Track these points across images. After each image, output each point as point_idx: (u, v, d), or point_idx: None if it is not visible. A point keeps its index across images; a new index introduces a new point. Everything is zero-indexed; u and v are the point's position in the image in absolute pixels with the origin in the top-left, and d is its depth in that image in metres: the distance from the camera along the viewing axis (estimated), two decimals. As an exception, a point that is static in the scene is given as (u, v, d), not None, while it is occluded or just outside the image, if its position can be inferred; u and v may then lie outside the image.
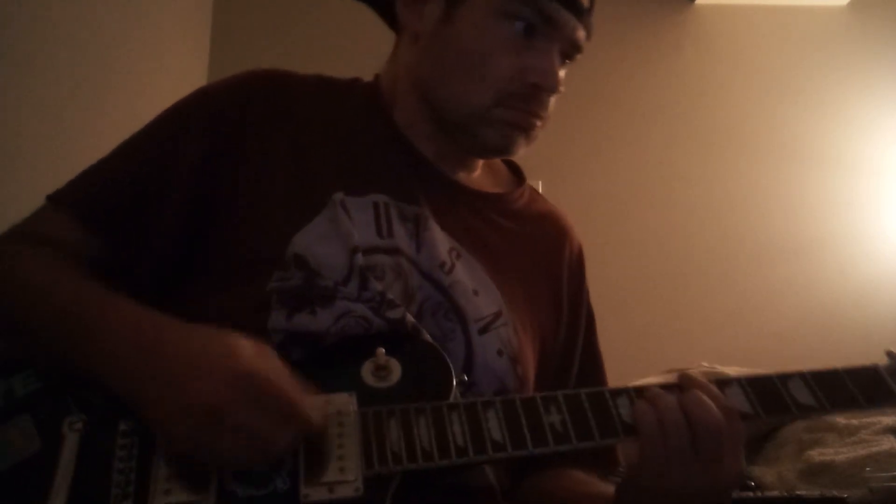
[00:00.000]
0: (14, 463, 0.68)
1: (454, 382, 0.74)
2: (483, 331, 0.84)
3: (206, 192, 0.84)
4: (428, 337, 0.79)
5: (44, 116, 1.57)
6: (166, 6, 2.24)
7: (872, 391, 0.76)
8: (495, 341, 0.84)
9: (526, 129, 0.89)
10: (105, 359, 0.68)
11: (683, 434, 0.68)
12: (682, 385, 0.73)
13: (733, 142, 2.56)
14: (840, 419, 1.55)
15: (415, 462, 0.66)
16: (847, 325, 2.38)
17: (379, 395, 0.72)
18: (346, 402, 0.70)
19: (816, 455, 1.47)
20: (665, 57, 2.65)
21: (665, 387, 0.73)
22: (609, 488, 0.82)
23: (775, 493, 1.38)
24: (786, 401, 0.74)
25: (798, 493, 1.36)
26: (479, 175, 1.00)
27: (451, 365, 0.75)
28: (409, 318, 0.79)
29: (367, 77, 1.00)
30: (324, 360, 0.77)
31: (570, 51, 0.90)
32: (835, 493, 1.33)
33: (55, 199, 0.85)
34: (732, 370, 1.83)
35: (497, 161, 1.05)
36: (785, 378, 0.76)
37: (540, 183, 1.98)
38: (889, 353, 0.78)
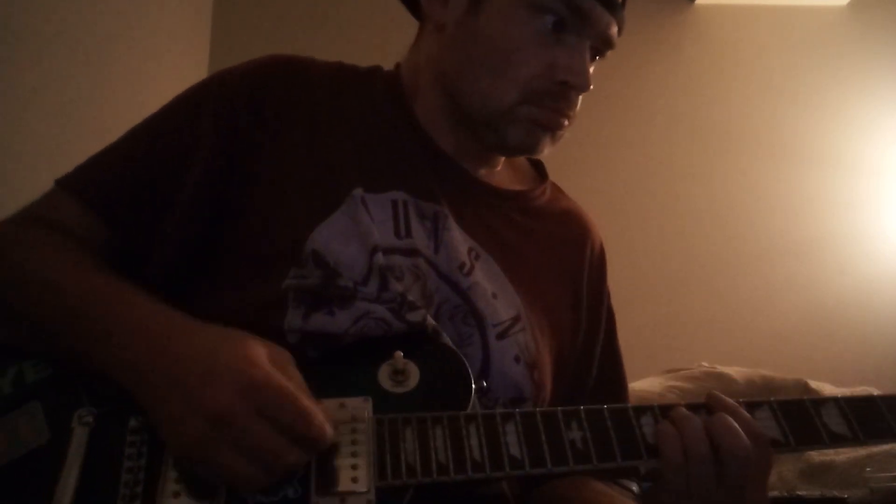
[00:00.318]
0: (20, 454, 0.66)
1: (473, 390, 0.71)
2: (501, 336, 0.81)
3: (220, 179, 0.81)
4: (448, 340, 0.76)
5: (44, 116, 1.57)
6: (166, 6, 2.24)
7: None
8: (513, 347, 0.81)
9: (552, 129, 0.86)
10: (115, 354, 0.66)
11: (708, 463, 0.65)
12: (710, 406, 0.70)
13: (733, 142, 2.55)
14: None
15: (429, 476, 0.64)
16: (847, 325, 2.37)
17: (395, 401, 0.69)
18: (361, 407, 0.67)
19: (816, 455, 1.47)
20: (665, 57, 2.64)
21: (692, 406, 0.70)
22: None
23: (775, 493, 1.38)
24: (818, 429, 0.70)
25: (798, 493, 1.36)
26: (500, 171, 0.97)
27: (470, 372, 0.72)
28: (430, 320, 0.76)
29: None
30: (340, 360, 0.75)
31: (602, 47, 0.87)
32: (835, 493, 1.33)
33: (64, 185, 0.82)
34: (733, 370, 1.83)
35: (519, 157, 1.01)
36: (818, 404, 0.72)
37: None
38: None
